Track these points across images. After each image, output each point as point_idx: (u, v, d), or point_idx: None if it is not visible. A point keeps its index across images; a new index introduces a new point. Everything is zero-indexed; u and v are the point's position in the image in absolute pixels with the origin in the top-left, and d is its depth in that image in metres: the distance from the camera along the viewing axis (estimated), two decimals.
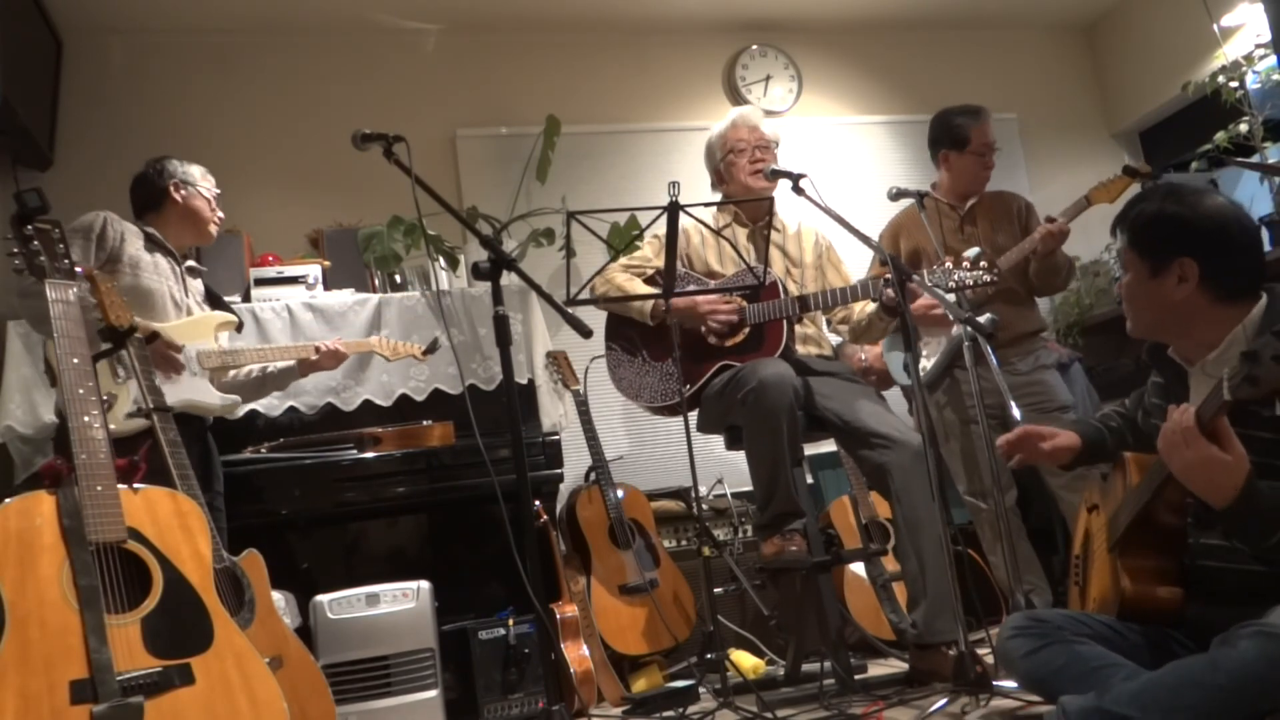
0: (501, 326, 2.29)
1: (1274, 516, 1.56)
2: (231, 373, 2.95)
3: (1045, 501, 3.34)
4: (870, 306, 2.94)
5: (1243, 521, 1.59)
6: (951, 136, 3.41)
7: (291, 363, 3.00)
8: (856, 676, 2.78)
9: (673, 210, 2.64)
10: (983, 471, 3.18)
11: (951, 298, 2.69)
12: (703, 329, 2.97)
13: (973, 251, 3.12)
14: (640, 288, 3.04)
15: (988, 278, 2.70)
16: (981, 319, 3.08)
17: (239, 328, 3.08)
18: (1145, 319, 1.87)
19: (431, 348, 3.15)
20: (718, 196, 3.26)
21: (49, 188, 2.16)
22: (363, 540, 3.53)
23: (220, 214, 3.05)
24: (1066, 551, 2.50)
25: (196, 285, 3.01)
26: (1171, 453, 1.62)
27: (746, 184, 3.10)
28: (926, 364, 3.31)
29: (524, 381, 3.48)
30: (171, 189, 2.93)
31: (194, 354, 2.79)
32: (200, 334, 2.86)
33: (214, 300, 3.07)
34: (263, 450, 3.14)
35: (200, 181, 2.98)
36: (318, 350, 2.99)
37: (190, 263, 3.02)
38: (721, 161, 3.18)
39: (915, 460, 2.68)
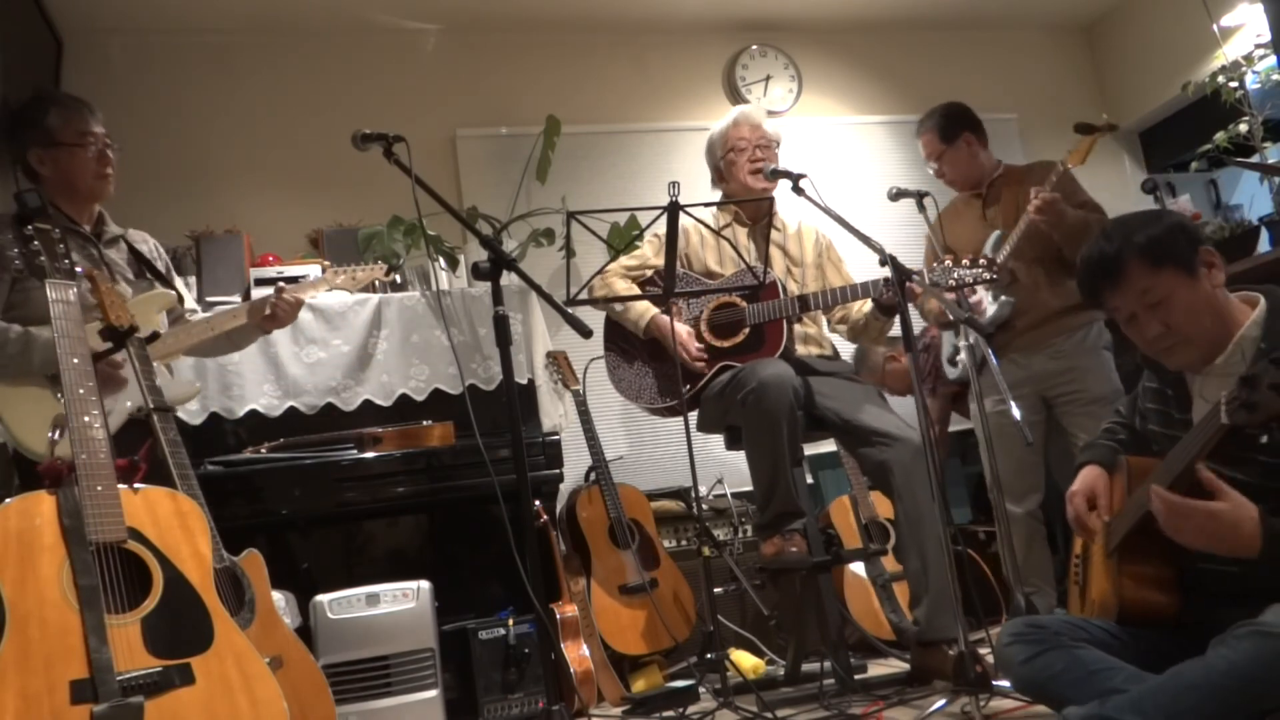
0: (501, 326, 2.29)
1: None
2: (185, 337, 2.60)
3: (1047, 501, 3.34)
4: (867, 305, 2.94)
5: None
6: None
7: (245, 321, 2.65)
8: (856, 676, 2.78)
9: (673, 210, 2.64)
10: (987, 472, 3.17)
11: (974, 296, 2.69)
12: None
13: (992, 238, 3.13)
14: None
15: (987, 275, 2.70)
16: (993, 307, 3.08)
17: (180, 300, 2.73)
18: (1204, 324, 1.74)
19: (391, 267, 3.06)
20: (717, 194, 3.26)
21: None
22: (363, 540, 3.53)
23: (110, 151, 2.50)
24: (1066, 551, 2.50)
25: (119, 257, 2.59)
26: (1180, 534, 1.61)
27: (746, 183, 3.10)
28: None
29: (524, 381, 3.47)
30: (34, 162, 2.46)
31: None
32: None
33: (148, 269, 2.67)
34: (263, 450, 3.13)
35: (62, 129, 2.43)
36: (273, 305, 2.62)
37: (115, 232, 2.60)
38: (722, 160, 3.18)
39: (916, 457, 2.68)
